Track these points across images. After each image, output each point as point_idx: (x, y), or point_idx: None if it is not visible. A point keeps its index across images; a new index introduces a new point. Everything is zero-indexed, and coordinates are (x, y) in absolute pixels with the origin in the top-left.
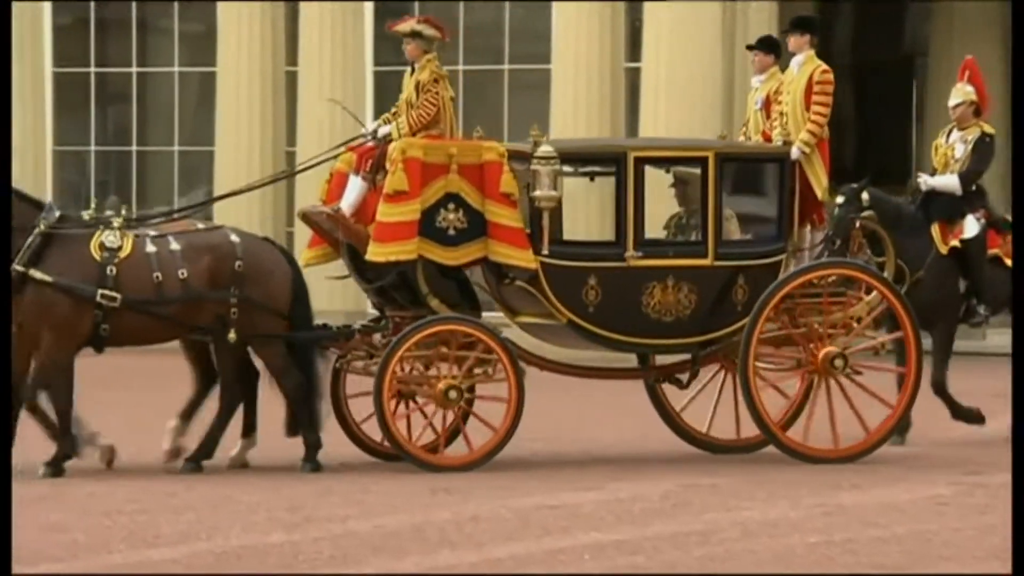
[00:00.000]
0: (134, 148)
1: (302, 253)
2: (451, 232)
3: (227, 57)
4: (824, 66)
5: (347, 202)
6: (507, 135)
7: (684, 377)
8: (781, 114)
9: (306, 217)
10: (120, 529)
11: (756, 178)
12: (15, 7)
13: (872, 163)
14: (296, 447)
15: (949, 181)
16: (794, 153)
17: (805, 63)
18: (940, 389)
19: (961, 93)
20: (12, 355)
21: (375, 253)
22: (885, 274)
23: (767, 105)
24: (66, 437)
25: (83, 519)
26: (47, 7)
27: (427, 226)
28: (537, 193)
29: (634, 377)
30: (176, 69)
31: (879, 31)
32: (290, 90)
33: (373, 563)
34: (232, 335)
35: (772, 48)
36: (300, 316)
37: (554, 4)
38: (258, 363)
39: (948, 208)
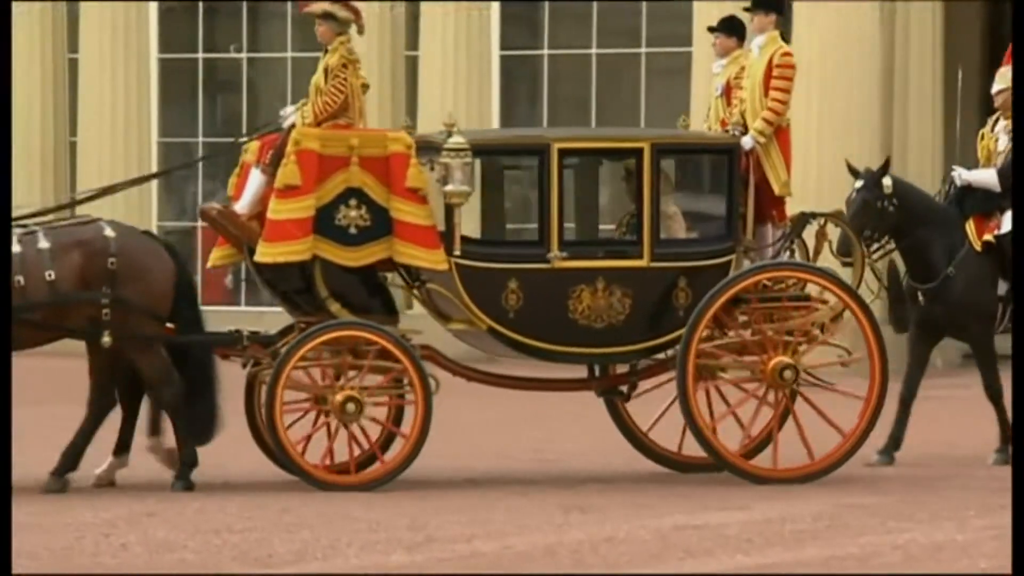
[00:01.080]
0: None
1: (211, 253)
2: (352, 230)
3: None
4: (785, 48)
5: (245, 197)
6: (644, 122)
7: (638, 388)
8: (741, 100)
9: (204, 214)
10: (231, 548)
11: (702, 172)
12: None
13: None
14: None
15: (986, 176)
16: (746, 143)
17: (766, 45)
18: (996, 397)
19: (1005, 78)
20: None
21: (263, 253)
22: (852, 279)
23: (728, 91)
24: None
25: (193, 537)
26: None
27: (324, 224)
28: (448, 188)
29: (578, 389)
30: (289, 54)
31: None
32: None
33: None
34: (107, 339)
35: (734, 30)
36: (186, 318)
37: None
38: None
39: (984, 203)
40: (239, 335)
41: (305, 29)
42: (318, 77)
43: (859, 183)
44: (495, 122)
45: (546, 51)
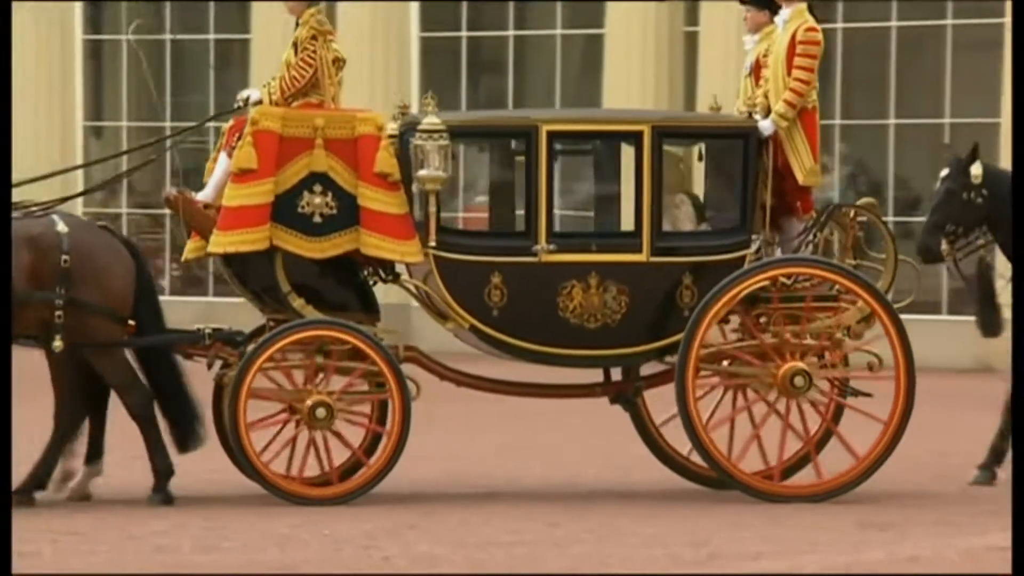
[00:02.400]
0: None
1: (186, 246)
2: (316, 219)
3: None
4: (811, 22)
5: (211, 184)
6: (949, 103)
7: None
8: (764, 80)
9: (165, 201)
10: (496, 564)
11: (715, 158)
12: None
13: None
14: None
15: None
16: (766, 127)
17: (791, 19)
18: None
19: None
20: None
21: (215, 243)
22: (883, 278)
23: (757, 70)
24: None
25: (456, 551)
26: None
27: (285, 212)
28: (422, 173)
29: (583, 395)
30: (559, 32)
31: None
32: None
33: None
34: (58, 343)
35: (766, 3)
36: (146, 318)
37: None
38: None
39: None
40: (201, 333)
41: (575, 5)
42: (288, 52)
43: (944, 172)
44: None
45: (840, 24)
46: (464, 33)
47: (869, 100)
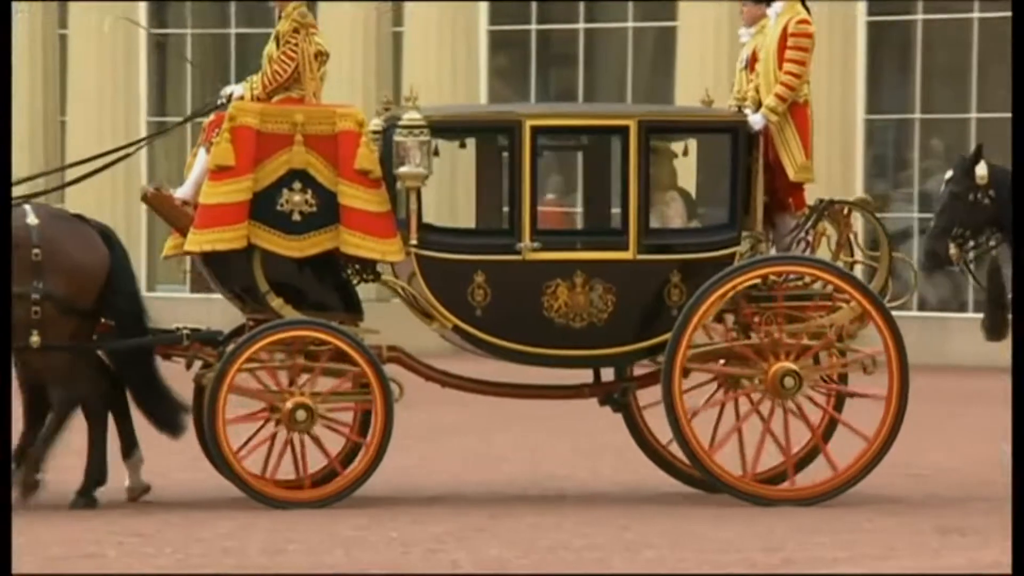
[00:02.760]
0: None
1: (166, 242)
2: (295, 217)
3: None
4: (802, 15)
5: (189, 180)
6: None
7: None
8: (756, 74)
9: (142, 198)
10: (567, 567)
11: (704, 153)
12: None
13: None
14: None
15: None
16: (756, 122)
17: (783, 11)
18: None
19: None
20: None
21: (191, 242)
22: (877, 277)
23: (753, 63)
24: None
25: (527, 554)
26: None
27: (264, 209)
28: (402, 170)
29: (571, 396)
30: (630, 24)
31: None
32: None
33: None
34: (35, 338)
35: None
36: (123, 314)
37: None
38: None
39: None
40: (179, 334)
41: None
42: (270, 46)
43: (948, 174)
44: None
45: (920, 16)
46: (533, 26)
47: (951, 94)
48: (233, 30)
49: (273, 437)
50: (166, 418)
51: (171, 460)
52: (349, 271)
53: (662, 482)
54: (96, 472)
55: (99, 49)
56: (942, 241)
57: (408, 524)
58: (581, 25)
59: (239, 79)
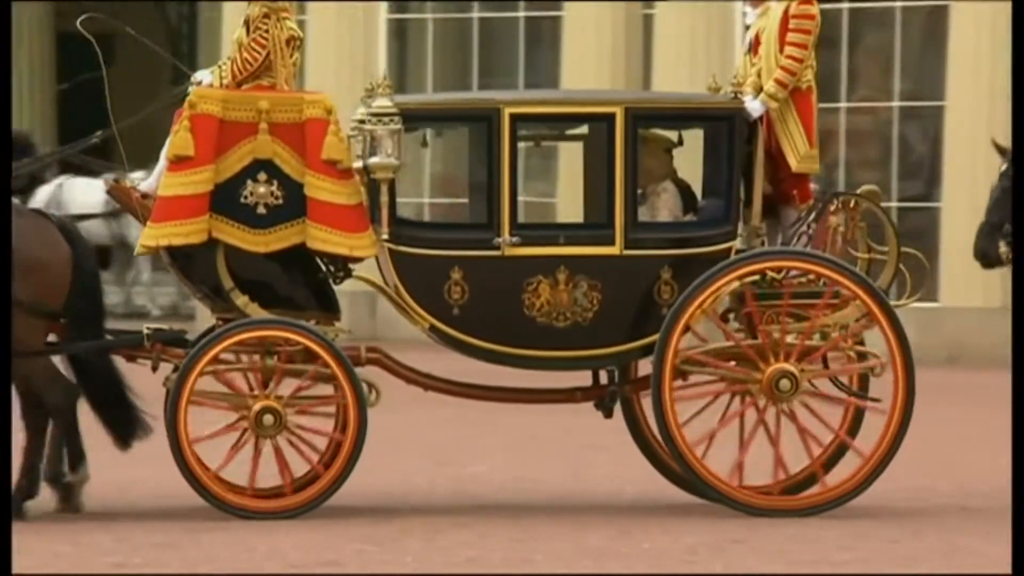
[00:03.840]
0: (843, 104)
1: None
2: (260, 210)
3: None
4: None
5: (155, 172)
6: None
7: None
8: (760, 58)
9: (108, 193)
10: None
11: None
12: None
13: None
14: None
15: None
16: (754, 108)
17: None
18: None
19: None
20: None
21: (147, 236)
22: (884, 274)
23: (756, 47)
24: None
25: (786, 569)
26: None
27: (226, 202)
28: (372, 161)
29: (563, 400)
30: (898, 3)
31: None
32: None
33: None
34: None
35: None
36: (84, 316)
37: None
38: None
39: None
40: (140, 335)
41: None
42: (239, 31)
43: (1004, 166)
44: None
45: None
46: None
47: None
48: (476, 15)
49: (240, 444)
50: (120, 427)
51: (417, 464)
52: (325, 267)
53: (935, 492)
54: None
55: (338, 35)
56: (993, 239)
57: (662, 535)
58: (845, 5)
59: (481, 65)
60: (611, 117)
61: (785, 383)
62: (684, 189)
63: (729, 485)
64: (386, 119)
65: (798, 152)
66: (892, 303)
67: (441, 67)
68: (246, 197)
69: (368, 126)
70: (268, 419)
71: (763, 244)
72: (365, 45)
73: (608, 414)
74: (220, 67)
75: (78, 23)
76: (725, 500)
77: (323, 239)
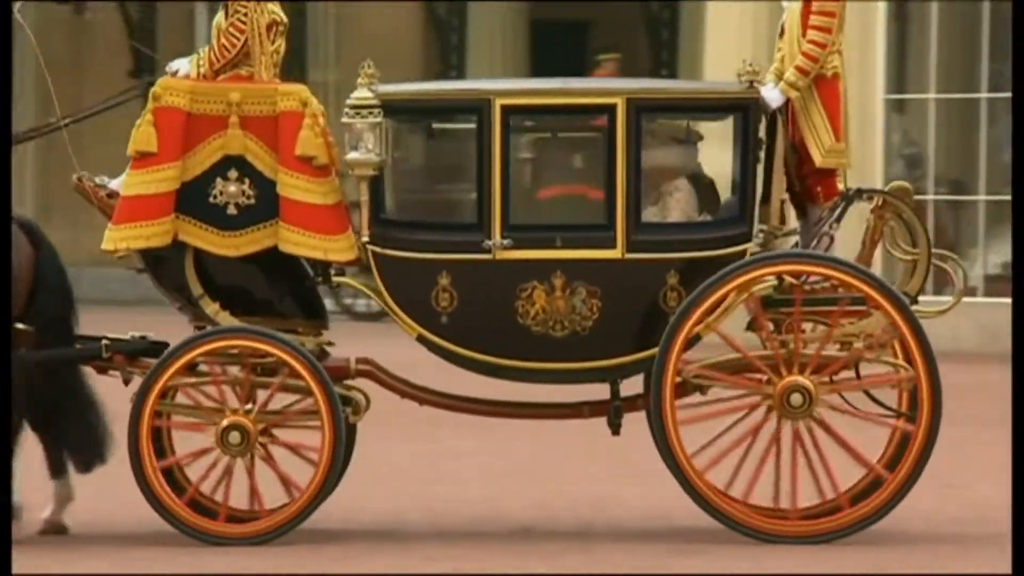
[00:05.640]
0: None
1: None
2: (231, 210)
3: None
4: None
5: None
6: None
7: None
8: (780, 48)
9: (76, 190)
10: None
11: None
12: None
13: None
14: None
15: None
16: (773, 98)
17: None
18: None
19: None
20: None
21: (108, 239)
22: (913, 279)
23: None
24: None
25: None
26: None
27: (194, 201)
28: (351, 156)
29: (568, 416)
30: None
31: None
32: None
33: None
34: None
35: None
36: (48, 321)
37: None
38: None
39: None
40: (96, 345)
41: None
42: (219, 16)
43: None
44: None
45: None
46: None
47: None
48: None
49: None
50: (78, 447)
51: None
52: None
53: None
54: None
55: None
56: None
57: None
58: None
59: (991, 51)
60: (612, 108)
61: (797, 398)
62: (707, 187)
63: (737, 508)
64: (365, 111)
65: (823, 145)
66: (925, 309)
67: (948, 52)
68: (215, 196)
69: (345, 119)
70: (235, 436)
71: (794, 246)
72: (862, 33)
73: (615, 431)
74: (198, 55)
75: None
76: (732, 525)
77: (295, 241)
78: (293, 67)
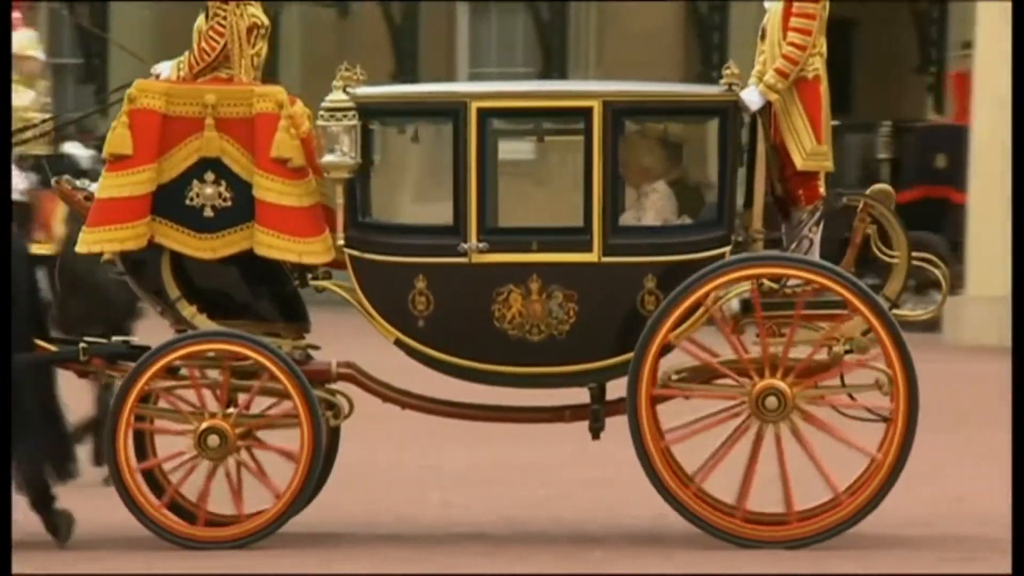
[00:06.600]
0: None
1: None
2: (207, 213)
3: None
4: None
5: None
6: None
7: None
8: (761, 50)
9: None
10: None
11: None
12: None
13: None
14: None
15: None
16: (752, 101)
17: None
18: None
19: None
20: None
21: (81, 242)
22: (892, 282)
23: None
24: None
25: None
26: None
27: (170, 204)
28: (327, 159)
29: (550, 420)
30: None
31: None
32: None
33: None
34: None
35: None
36: (15, 323)
37: None
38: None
39: None
40: (70, 349)
41: None
42: (200, 19)
43: None
44: None
45: None
46: None
47: None
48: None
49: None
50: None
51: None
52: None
53: None
54: None
55: None
56: None
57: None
58: None
59: None
60: (588, 111)
61: (772, 401)
62: (691, 190)
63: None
64: (340, 114)
65: (803, 148)
66: (903, 313)
67: None
68: (192, 199)
69: (320, 122)
70: (213, 440)
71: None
72: None
73: (595, 435)
74: (181, 59)
75: None
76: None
77: (269, 244)
78: (553, 68)
